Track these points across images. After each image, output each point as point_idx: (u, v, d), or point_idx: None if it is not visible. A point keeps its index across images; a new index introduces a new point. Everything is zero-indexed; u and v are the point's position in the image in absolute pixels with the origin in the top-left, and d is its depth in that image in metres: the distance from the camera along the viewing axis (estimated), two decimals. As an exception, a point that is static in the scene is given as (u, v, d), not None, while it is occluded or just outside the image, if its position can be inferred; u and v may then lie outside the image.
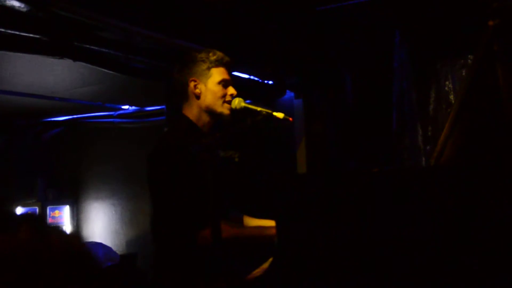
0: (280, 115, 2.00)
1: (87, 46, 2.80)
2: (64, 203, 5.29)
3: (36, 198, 5.19)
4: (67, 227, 5.24)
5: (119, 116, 5.17)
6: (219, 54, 2.17)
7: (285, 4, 3.22)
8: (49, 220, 5.12)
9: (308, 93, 4.51)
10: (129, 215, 5.25)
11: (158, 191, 2.06)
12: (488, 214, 1.39)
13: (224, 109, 2.15)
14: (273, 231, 1.96)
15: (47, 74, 3.50)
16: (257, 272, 2.00)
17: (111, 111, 5.15)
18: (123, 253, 4.97)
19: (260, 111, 2.02)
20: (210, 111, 2.15)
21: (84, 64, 2.92)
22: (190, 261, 1.98)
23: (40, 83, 3.76)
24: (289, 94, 4.54)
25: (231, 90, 2.17)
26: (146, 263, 4.64)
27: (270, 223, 2.06)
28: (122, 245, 5.23)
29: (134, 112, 5.11)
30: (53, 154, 5.58)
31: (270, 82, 4.26)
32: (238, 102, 2.11)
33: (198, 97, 2.15)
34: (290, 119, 2.01)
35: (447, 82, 3.82)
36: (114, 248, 4.88)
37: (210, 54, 2.16)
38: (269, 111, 2.01)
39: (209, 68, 2.15)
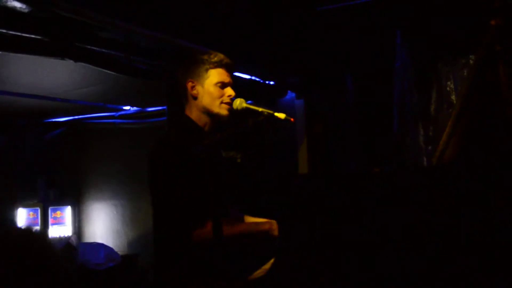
0: (281, 115, 2.00)
1: (89, 46, 2.80)
2: (66, 204, 5.28)
3: (37, 199, 5.18)
4: (68, 228, 5.23)
5: (121, 116, 5.16)
6: (219, 55, 2.17)
7: (286, 5, 3.22)
8: (51, 221, 5.11)
9: (310, 94, 4.51)
10: (130, 215, 5.25)
11: (158, 191, 2.06)
12: (490, 214, 1.39)
13: (221, 110, 2.14)
14: (268, 226, 1.98)
15: (49, 75, 3.50)
16: (259, 273, 2.00)
17: (113, 111, 5.15)
18: (124, 253, 4.96)
19: (262, 111, 2.02)
20: (207, 112, 2.15)
21: (85, 64, 2.92)
22: (191, 261, 1.97)
23: (41, 84, 3.76)
24: (290, 94, 4.55)
25: (229, 92, 2.16)
26: (148, 263, 4.66)
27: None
28: (123, 245, 5.23)
29: (135, 112, 5.10)
30: (55, 155, 5.57)
31: (272, 82, 4.27)
32: (239, 103, 2.10)
33: (195, 98, 2.16)
34: (292, 119, 2.01)
35: (448, 82, 3.81)
36: (115, 249, 4.88)
37: (211, 56, 2.16)
38: (271, 112, 2.01)
39: (207, 70, 2.15)
